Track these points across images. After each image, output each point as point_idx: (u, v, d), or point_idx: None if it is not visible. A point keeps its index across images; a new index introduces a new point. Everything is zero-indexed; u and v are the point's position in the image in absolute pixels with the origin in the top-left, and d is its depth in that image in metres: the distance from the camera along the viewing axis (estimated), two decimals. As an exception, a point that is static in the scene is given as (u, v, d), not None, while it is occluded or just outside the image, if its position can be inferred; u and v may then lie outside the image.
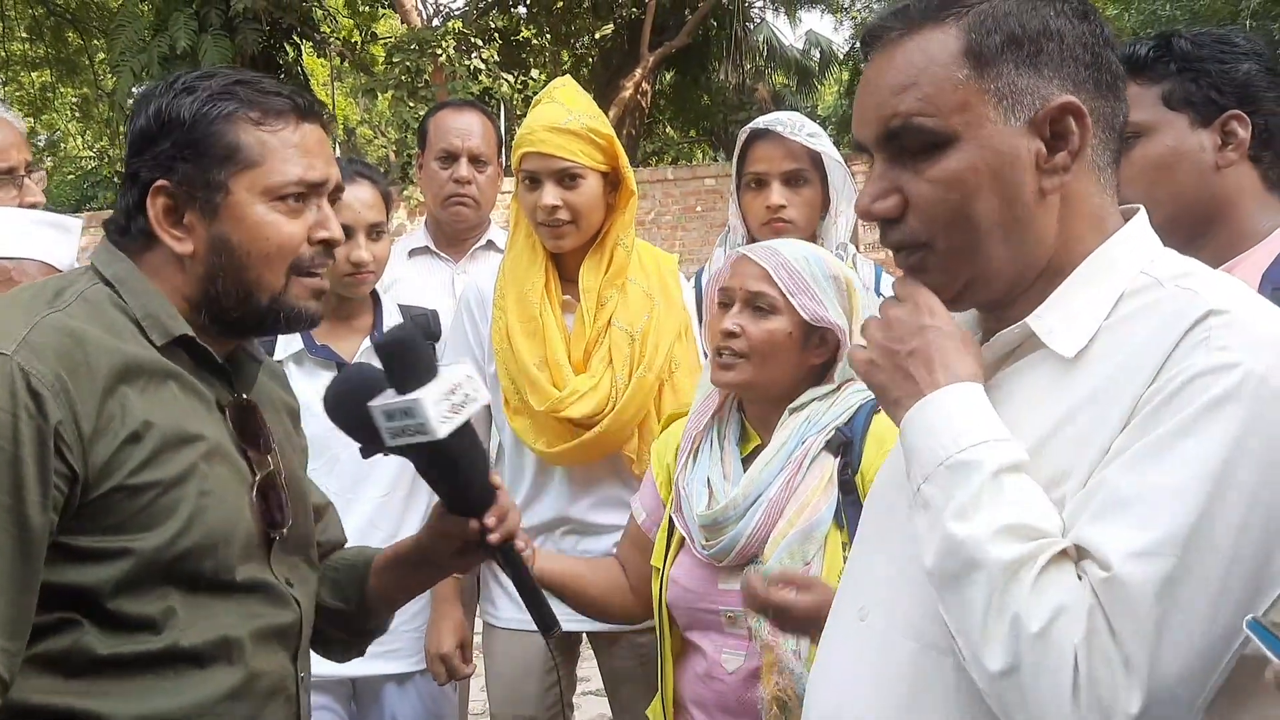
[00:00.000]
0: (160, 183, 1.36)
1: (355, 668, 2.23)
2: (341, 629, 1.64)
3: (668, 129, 20.52)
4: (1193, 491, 0.96)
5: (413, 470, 2.56)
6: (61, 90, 22.47)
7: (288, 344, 2.45)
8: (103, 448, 1.26)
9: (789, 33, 24.38)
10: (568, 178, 2.29)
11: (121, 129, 14.68)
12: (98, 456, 1.26)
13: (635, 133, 17.20)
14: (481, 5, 16.06)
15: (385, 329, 2.53)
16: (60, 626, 1.26)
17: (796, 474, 1.86)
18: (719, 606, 1.90)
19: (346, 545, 1.73)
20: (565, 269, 2.41)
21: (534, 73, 14.87)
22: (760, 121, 2.54)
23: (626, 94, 16.11)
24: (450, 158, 2.95)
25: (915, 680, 1.11)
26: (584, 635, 2.51)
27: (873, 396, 1.95)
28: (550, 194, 2.28)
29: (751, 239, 2.48)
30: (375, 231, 2.47)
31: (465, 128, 2.97)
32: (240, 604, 1.38)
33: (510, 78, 14.14)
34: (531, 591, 1.51)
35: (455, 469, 1.44)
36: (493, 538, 1.47)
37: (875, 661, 1.15)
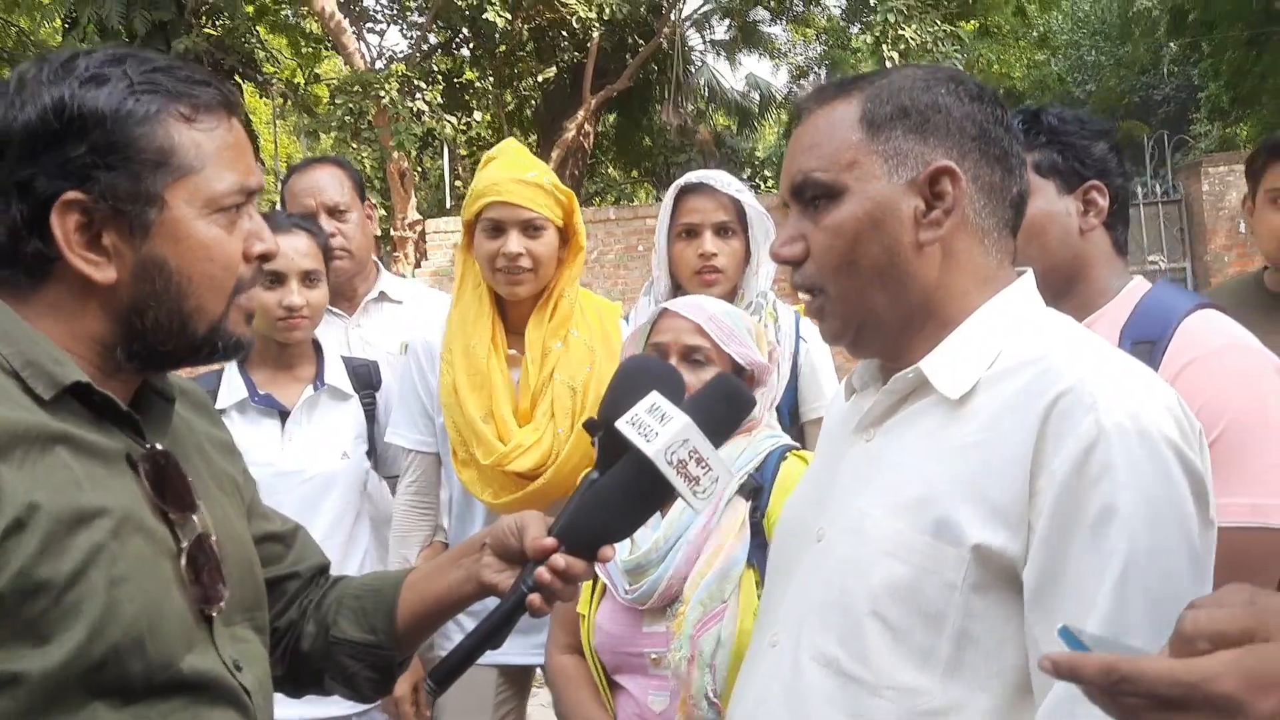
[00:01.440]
0: (71, 196, 1.09)
1: (312, 709, 2.17)
2: (370, 665, 1.41)
3: (610, 169, 20.79)
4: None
5: (353, 516, 2.60)
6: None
7: (231, 393, 2.51)
8: None
9: (730, 75, 24.81)
10: (532, 228, 2.39)
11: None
12: None
13: (578, 173, 17.41)
14: (425, 48, 16.22)
15: (326, 379, 2.60)
16: None
17: (713, 517, 1.95)
18: (643, 649, 1.97)
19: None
20: (510, 322, 2.50)
21: (476, 115, 15.02)
22: (692, 176, 2.66)
23: (569, 135, 16.33)
24: (308, 217, 2.88)
25: (818, 697, 1.21)
26: (537, 669, 2.55)
27: (782, 442, 2.09)
28: (515, 242, 2.37)
29: (677, 288, 2.60)
30: (310, 279, 2.53)
31: (314, 185, 2.96)
32: (186, 707, 1.12)
33: (453, 120, 14.28)
34: (498, 633, 1.33)
35: (622, 498, 1.29)
36: (545, 577, 1.28)
37: (785, 682, 1.25)
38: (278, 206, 3.26)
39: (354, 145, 13.48)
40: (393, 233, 13.90)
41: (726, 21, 19.16)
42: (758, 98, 21.49)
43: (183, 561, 1.14)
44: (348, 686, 1.43)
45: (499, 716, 2.51)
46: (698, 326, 2.03)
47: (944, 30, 13.85)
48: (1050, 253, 1.81)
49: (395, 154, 13.41)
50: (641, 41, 16.88)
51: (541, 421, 2.39)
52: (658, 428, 1.25)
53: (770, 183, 22.78)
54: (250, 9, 15.53)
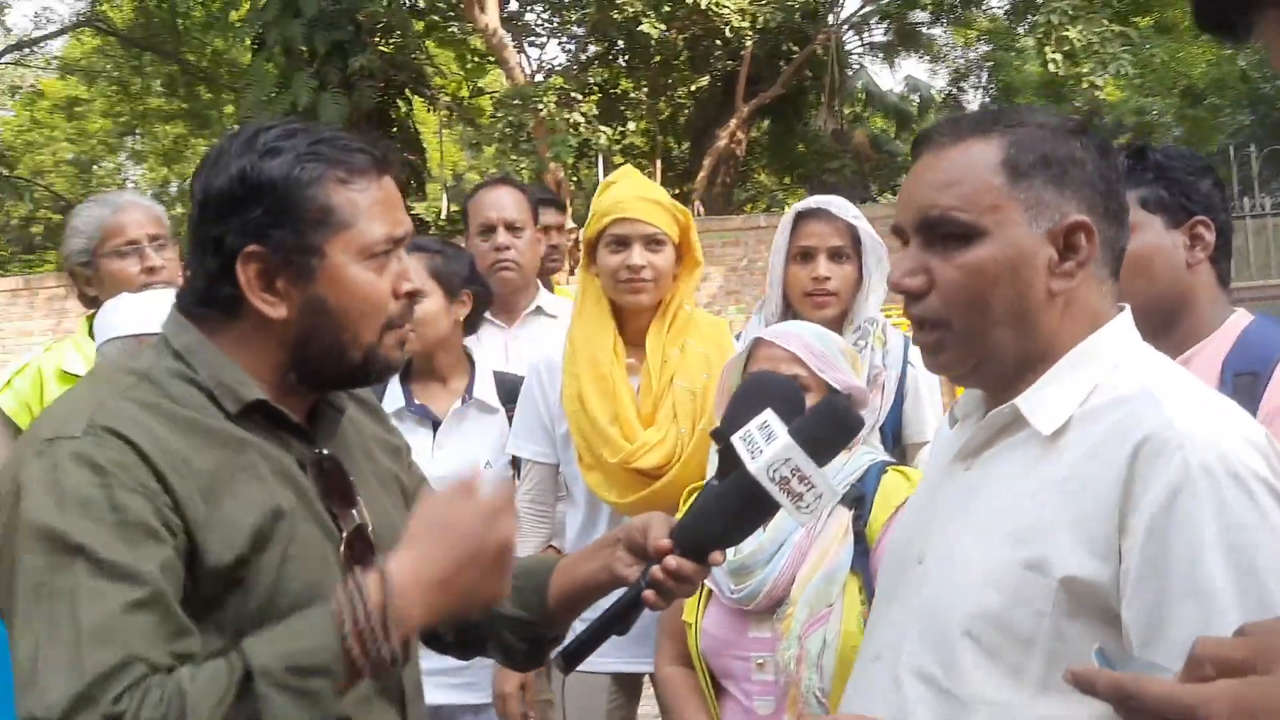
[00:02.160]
0: (251, 249, 1.31)
1: (438, 696, 2.52)
2: (524, 637, 1.58)
3: (762, 176, 20.81)
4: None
5: None
6: (193, 142, 23.78)
7: (390, 401, 2.71)
8: (196, 511, 1.25)
9: (889, 79, 24.44)
10: (654, 242, 2.56)
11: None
12: (197, 521, 1.25)
13: (729, 180, 17.55)
14: (583, 60, 16.66)
15: (475, 393, 2.83)
16: None
17: (817, 523, 2.01)
18: (749, 653, 2.04)
19: None
20: (628, 334, 2.64)
21: (630, 124, 15.31)
22: (811, 201, 2.78)
23: (721, 143, 16.47)
24: (489, 230, 3.22)
25: (920, 711, 1.25)
26: (646, 677, 2.62)
27: (881, 458, 2.19)
28: (639, 254, 2.54)
29: (788, 309, 2.73)
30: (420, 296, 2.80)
31: (498, 201, 3.25)
32: None
33: (608, 130, 14.63)
34: (617, 623, 1.44)
35: (730, 508, 1.39)
36: (659, 575, 1.39)
37: (887, 697, 1.29)
38: (442, 215, 3.58)
39: (513, 156, 13.96)
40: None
41: (885, 24, 18.96)
42: (917, 100, 21.17)
43: (343, 548, 1.38)
44: (505, 654, 1.61)
45: None
46: (794, 355, 2.09)
47: (1111, 30, 13.40)
48: (1157, 286, 1.86)
49: (552, 164, 13.86)
50: (796, 48, 16.88)
51: (664, 423, 2.54)
52: (764, 445, 1.32)
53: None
54: (420, 25, 16.29)
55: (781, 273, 2.74)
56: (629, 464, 2.51)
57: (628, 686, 2.70)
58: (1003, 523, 1.25)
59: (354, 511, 1.41)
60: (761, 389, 1.48)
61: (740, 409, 1.41)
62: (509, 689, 2.65)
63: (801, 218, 2.73)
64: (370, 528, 1.42)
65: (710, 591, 2.11)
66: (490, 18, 14.38)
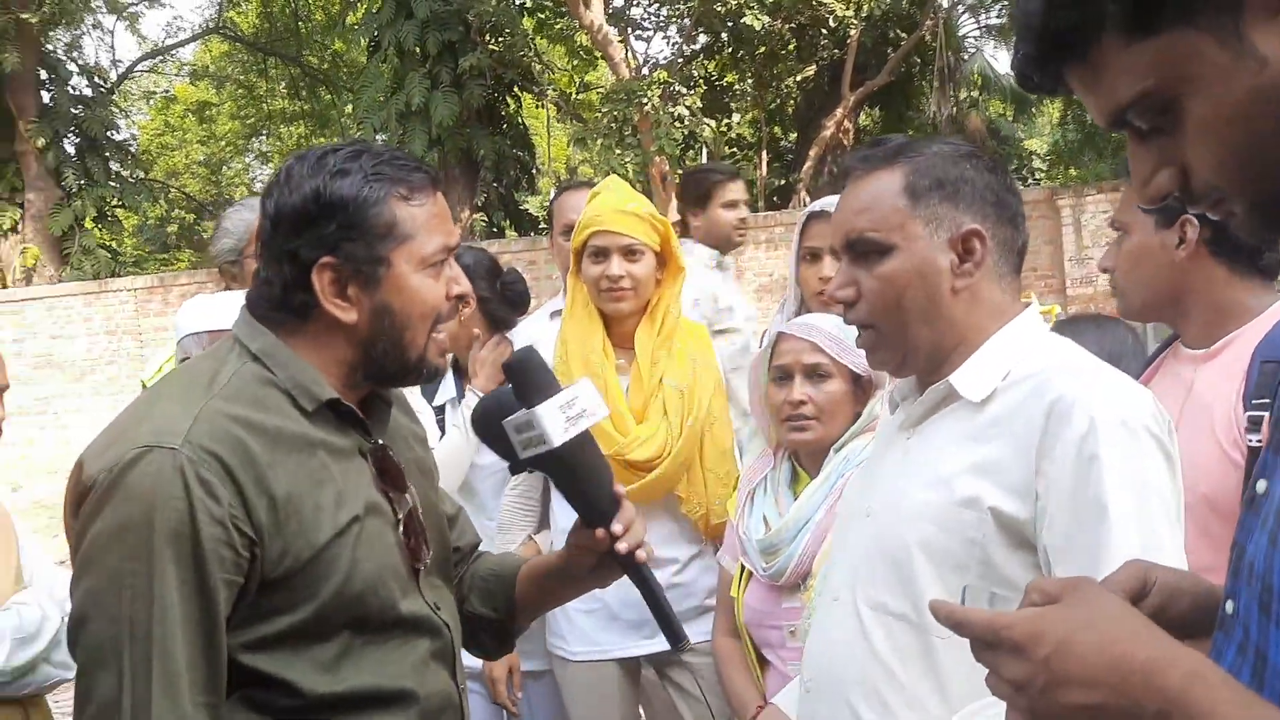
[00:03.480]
0: (325, 260, 1.43)
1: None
2: (490, 634, 1.77)
3: (872, 164, 20.53)
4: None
5: None
6: (315, 142, 24.69)
7: (444, 392, 2.95)
8: (269, 520, 1.36)
9: (1006, 61, 23.84)
10: (631, 252, 2.66)
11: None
12: (267, 531, 1.36)
13: (837, 170, 17.41)
14: (687, 53, 16.73)
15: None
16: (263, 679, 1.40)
17: (838, 501, 2.10)
18: (782, 624, 2.22)
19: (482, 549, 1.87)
20: (614, 336, 2.75)
21: (735, 116, 15.33)
22: (819, 203, 2.83)
23: (828, 133, 16.39)
24: (571, 230, 3.31)
25: (877, 635, 1.51)
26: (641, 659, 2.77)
27: None
28: (617, 265, 2.64)
29: (803, 306, 2.84)
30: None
31: (580, 203, 3.33)
32: (404, 637, 1.50)
33: (712, 123, 14.67)
34: (659, 603, 1.57)
35: (574, 477, 1.56)
36: (620, 546, 1.54)
37: (849, 628, 1.54)
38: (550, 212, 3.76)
39: (618, 151, 14.13)
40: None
41: (999, 6, 18.54)
42: (1035, 83, 20.54)
43: (400, 530, 1.52)
44: (475, 645, 1.78)
45: (626, 708, 2.77)
46: (814, 345, 2.23)
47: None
48: (1150, 281, 2.05)
49: (657, 158, 13.98)
50: (904, 35, 16.66)
51: (655, 419, 2.66)
52: (519, 435, 1.51)
53: (1039, 176, 21.79)
54: (528, 23, 16.59)
55: (795, 273, 2.85)
56: (621, 457, 2.61)
57: (632, 671, 2.82)
58: (938, 472, 1.50)
59: (406, 496, 1.55)
60: (490, 415, 1.57)
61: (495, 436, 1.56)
62: (498, 673, 2.81)
63: (810, 219, 2.82)
64: (419, 509, 1.57)
65: (750, 570, 2.30)
66: (596, 13, 14.58)
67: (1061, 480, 1.39)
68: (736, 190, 4.06)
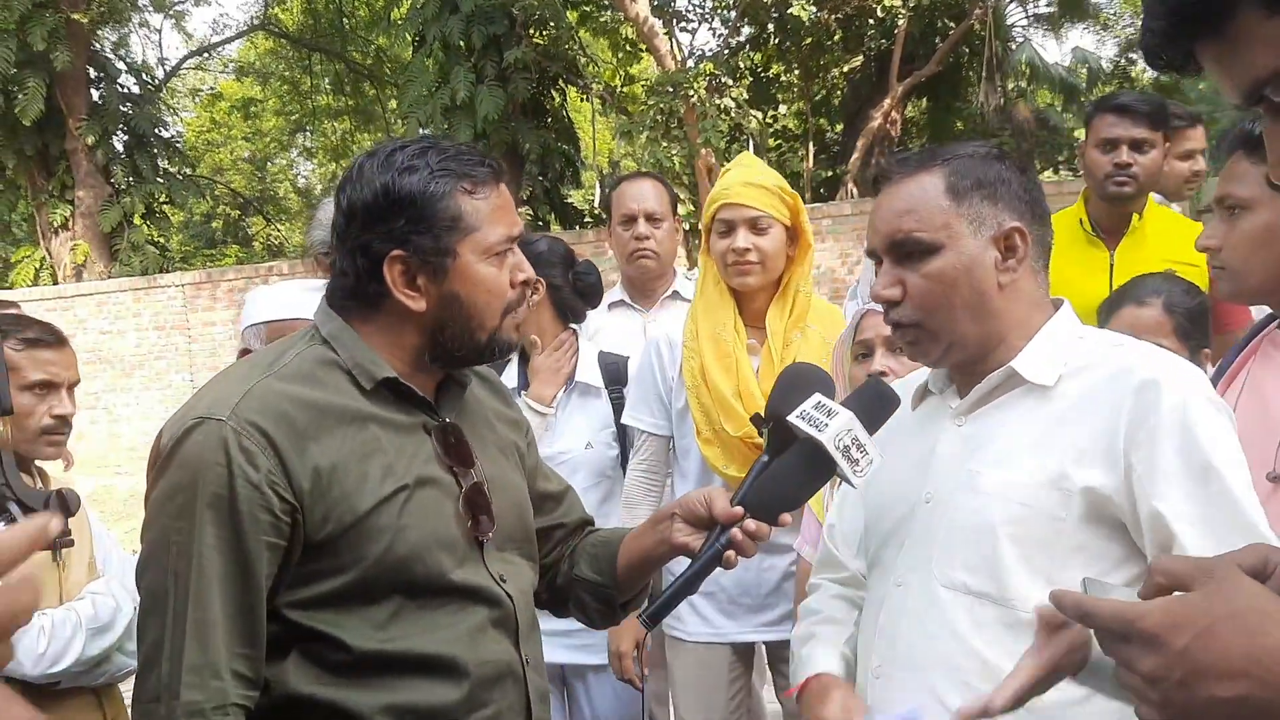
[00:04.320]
0: (396, 253, 1.52)
1: (562, 656, 2.78)
2: (598, 600, 1.80)
3: (919, 156, 20.29)
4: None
5: (599, 496, 2.86)
6: (358, 137, 24.83)
7: (507, 382, 2.84)
8: (312, 487, 1.46)
9: (1055, 51, 23.45)
10: (757, 225, 2.62)
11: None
12: (309, 497, 1.46)
13: (876, 172, 17.18)
14: (733, 44, 16.59)
15: (578, 377, 2.94)
16: (317, 634, 1.48)
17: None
18: None
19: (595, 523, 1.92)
20: (746, 315, 2.73)
21: (781, 108, 15.18)
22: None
23: (875, 124, 16.19)
24: (630, 220, 3.34)
25: (958, 613, 1.52)
26: (760, 645, 2.81)
27: None
28: (743, 238, 2.61)
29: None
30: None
31: (639, 193, 3.38)
32: (460, 604, 1.56)
33: (758, 114, 14.54)
34: (684, 590, 1.57)
35: (800, 471, 1.55)
36: (737, 535, 1.55)
37: (920, 613, 1.55)
38: (597, 202, 3.71)
39: (663, 144, 14.04)
40: (700, 225, 14.37)
41: (1049, -5, 18.24)
42: (1085, 71, 20.26)
43: (460, 502, 1.58)
44: (582, 613, 1.84)
45: (733, 691, 2.75)
46: None
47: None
48: (1277, 263, 1.94)
49: (703, 150, 13.87)
50: (952, 24, 16.42)
51: None
52: (826, 420, 1.52)
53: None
54: (573, 16, 16.53)
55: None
56: (751, 439, 2.57)
57: (745, 656, 2.80)
58: (1013, 453, 1.53)
59: (472, 471, 1.62)
60: (800, 379, 1.61)
61: (783, 397, 1.57)
62: (624, 648, 2.75)
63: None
64: (487, 485, 1.64)
65: None
66: (641, 6, 14.49)
67: (1164, 449, 1.44)
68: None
